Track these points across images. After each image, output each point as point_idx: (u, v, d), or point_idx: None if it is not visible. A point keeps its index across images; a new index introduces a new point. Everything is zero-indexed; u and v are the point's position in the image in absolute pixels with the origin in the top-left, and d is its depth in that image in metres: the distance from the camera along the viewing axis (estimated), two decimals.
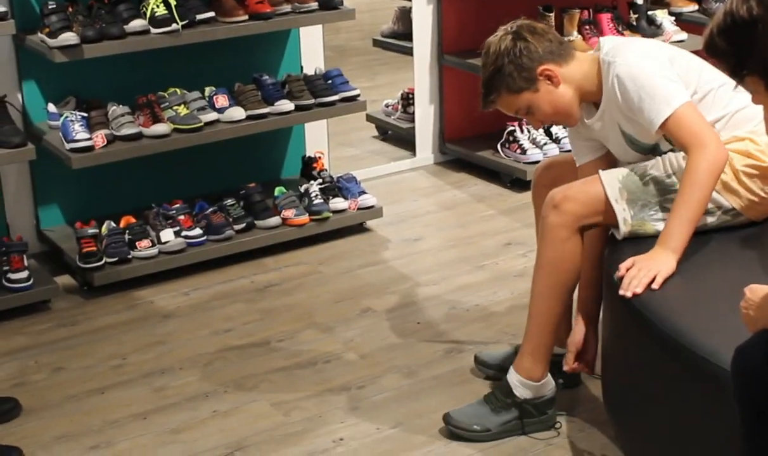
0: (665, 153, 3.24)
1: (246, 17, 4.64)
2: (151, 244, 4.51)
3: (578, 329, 3.43)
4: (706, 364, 2.51)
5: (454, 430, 3.38)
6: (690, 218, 3.04)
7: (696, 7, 6.15)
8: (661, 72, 3.14)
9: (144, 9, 4.47)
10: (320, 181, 5.00)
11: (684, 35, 5.80)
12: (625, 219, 3.16)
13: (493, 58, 3.28)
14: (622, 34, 5.66)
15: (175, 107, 4.60)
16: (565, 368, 3.43)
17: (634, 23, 5.81)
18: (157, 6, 4.45)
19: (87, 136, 4.39)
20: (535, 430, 3.38)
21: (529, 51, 3.25)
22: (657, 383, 2.85)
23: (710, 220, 3.16)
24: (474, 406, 3.42)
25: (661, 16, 5.90)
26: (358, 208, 4.97)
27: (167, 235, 4.55)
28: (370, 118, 6.32)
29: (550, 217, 3.24)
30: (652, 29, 5.80)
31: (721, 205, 3.15)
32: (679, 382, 2.71)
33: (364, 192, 5.03)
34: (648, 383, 2.91)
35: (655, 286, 2.93)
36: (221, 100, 4.70)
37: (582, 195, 3.21)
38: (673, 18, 5.96)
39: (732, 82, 3.05)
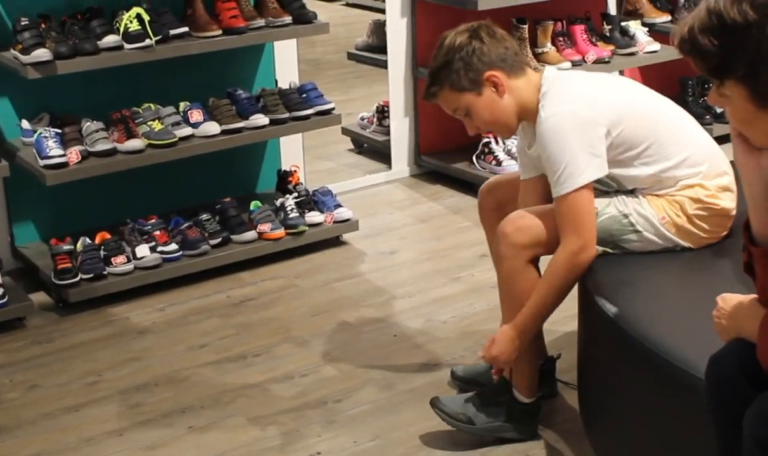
0: (611, 189, 3.25)
1: (220, 32, 4.64)
2: (126, 260, 4.49)
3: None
4: (681, 374, 2.52)
5: (440, 415, 3.39)
6: (539, 304, 3.19)
7: (669, 17, 6.18)
8: (578, 143, 3.08)
9: (117, 25, 4.46)
10: (296, 194, 4.99)
11: (657, 46, 5.83)
12: None
13: (444, 51, 3.25)
14: (595, 45, 5.69)
15: (149, 122, 4.59)
16: (479, 357, 3.44)
17: (608, 34, 5.83)
18: (131, 21, 4.44)
19: (61, 152, 4.37)
20: (518, 435, 3.38)
21: (482, 53, 3.21)
22: (632, 393, 2.85)
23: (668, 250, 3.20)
24: (464, 396, 3.43)
25: (635, 27, 5.92)
26: (334, 222, 4.97)
27: (143, 250, 4.53)
28: (345, 131, 6.32)
29: (502, 249, 3.26)
30: (626, 40, 5.83)
31: (678, 244, 3.18)
32: (654, 392, 2.71)
33: (339, 205, 5.03)
34: (623, 394, 2.92)
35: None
36: (196, 115, 4.69)
37: (534, 229, 3.19)
38: (647, 29, 5.99)
39: (684, 122, 3.13)
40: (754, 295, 2.22)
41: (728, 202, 3.18)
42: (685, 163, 3.16)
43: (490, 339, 3.29)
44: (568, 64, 5.54)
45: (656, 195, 3.17)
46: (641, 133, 3.15)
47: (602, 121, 3.11)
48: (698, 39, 2.08)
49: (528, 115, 3.25)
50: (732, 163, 3.14)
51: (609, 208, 3.18)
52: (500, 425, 3.38)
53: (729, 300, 2.28)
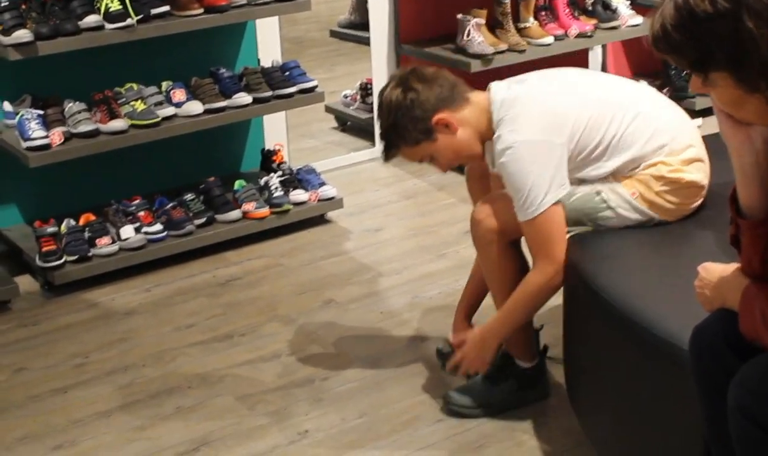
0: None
1: (201, 10, 4.62)
2: (111, 241, 4.48)
3: (461, 327, 3.56)
4: (665, 345, 2.53)
5: (456, 411, 3.43)
6: (511, 320, 3.26)
7: None
8: (536, 168, 3.07)
9: (98, 4, 4.43)
10: (280, 173, 4.99)
11: (639, 19, 5.82)
12: None
13: (386, 113, 3.24)
14: (578, 19, 5.68)
15: (132, 103, 4.57)
16: (448, 369, 3.49)
17: (590, 8, 5.83)
18: (111, 1, 4.42)
19: (44, 134, 4.36)
20: (535, 397, 3.45)
21: (420, 102, 3.20)
22: (617, 367, 2.86)
23: (646, 226, 3.20)
24: (473, 384, 3.45)
25: (617, 0, 5.91)
26: (319, 200, 4.97)
27: (127, 231, 4.53)
28: (329, 109, 6.31)
29: (478, 236, 3.30)
30: (608, 14, 5.83)
31: (652, 218, 3.18)
32: (639, 365, 2.72)
33: (324, 183, 5.02)
34: (608, 367, 2.93)
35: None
36: (178, 95, 4.67)
37: (507, 212, 3.19)
38: (629, 2, 5.98)
39: (642, 108, 3.11)
40: (737, 265, 2.23)
41: (695, 173, 3.17)
42: (647, 146, 3.16)
43: (459, 347, 3.39)
44: (551, 39, 5.54)
45: (623, 177, 3.18)
46: (598, 135, 3.15)
47: (558, 140, 3.10)
48: (672, 36, 2.04)
49: (486, 135, 3.24)
50: (707, 135, 3.17)
51: (580, 187, 3.18)
52: (516, 395, 3.43)
53: (711, 270, 2.28)
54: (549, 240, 3.11)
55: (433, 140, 3.23)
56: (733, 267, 2.24)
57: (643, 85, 3.37)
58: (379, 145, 5.74)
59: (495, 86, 3.28)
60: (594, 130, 3.14)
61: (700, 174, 3.18)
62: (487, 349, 3.32)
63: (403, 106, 3.20)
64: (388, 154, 3.33)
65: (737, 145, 2.16)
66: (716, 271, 2.27)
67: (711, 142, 3.13)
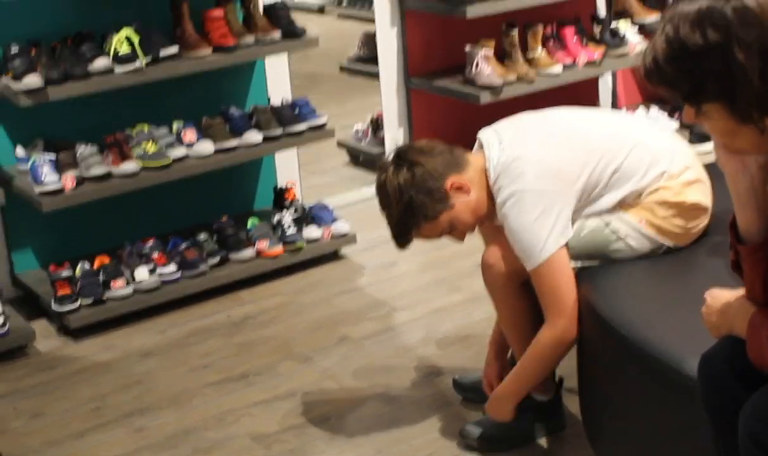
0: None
1: (210, 51, 4.64)
2: (125, 284, 4.49)
3: (492, 365, 3.55)
4: (676, 375, 2.53)
5: (471, 444, 3.41)
6: (528, 377, 3.28)
7: (659, 15, 6.18)
8: (537, 213, 3.07)
9: (107, 47, 4.47)
10: (293, 210, 4.99)
11: None
12: None
13: (397, 197, 3.18)
14: (586, 47, 5.68)
15: (143, 144, 4.59)
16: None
17: (598, 36, 5.84)
18: (120, 44, 4.45)
19: (56, 178, 4.38)
20: (549, 431, 3.44)
21: (430, 173, 3.16)
22: (630, 397, 2.86)
23: (656, 254, 3.20)
24: (489, 417, 3.44)
25: (624, 27, 5.93)
26: (332, 236, 4.97)
27: (142, 273, 4.54)
28: (341, 144, 6.33)
29: (488, 278, 3.31)
30: (616, 41, 5.83)
31: (661, 245, 3.19)
32: (652, 395, 2.72)
33: (336, 219, 5.03)
34: (622, 398, 2.92)
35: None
36: (189, 135, 4.69)
37: (516, 256, 3.18)
38: (637, 28, 5.99)
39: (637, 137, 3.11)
40: (743, 291, 2.23)
41: (697, 194, 3.18)
42: (647, 175, 3.16)
43: (491, 391, 3.44)
44: (560, 67, 5.55)
45: (628, 206, 3.19)
46: (600, 173, 3.15)
47: (559, 188, 3.11)
48: (664, 69, 2.06)
49: (490, 191, 3.22)
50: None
51: (589, 221, 3.18)
52: (532, 428, 3.42)
53: (718, 296, 2.28)
54: (556, 292, 3.10)
55: (451, 207, 3.20)
56: (739, 293, 2.24)
57: (632, 114, 3.37)
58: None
59: (485, 139, 3.26)
60: (596, 171, 3.15)
61: (701, 195, 3.19)
62: (506, 408, 3.35)
63: (414, 183, 3.15)
64: (405, 240, 3.27)
65: (732, 172, 2.18)
66: (722, 297, 2.27)
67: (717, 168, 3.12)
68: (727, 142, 2.14)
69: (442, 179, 3.17)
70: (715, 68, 2.00)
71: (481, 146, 3.27)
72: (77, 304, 4.41)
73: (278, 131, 4.83)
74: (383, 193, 3.23)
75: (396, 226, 3.25)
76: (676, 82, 2.06)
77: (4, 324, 4.27)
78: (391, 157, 3.25)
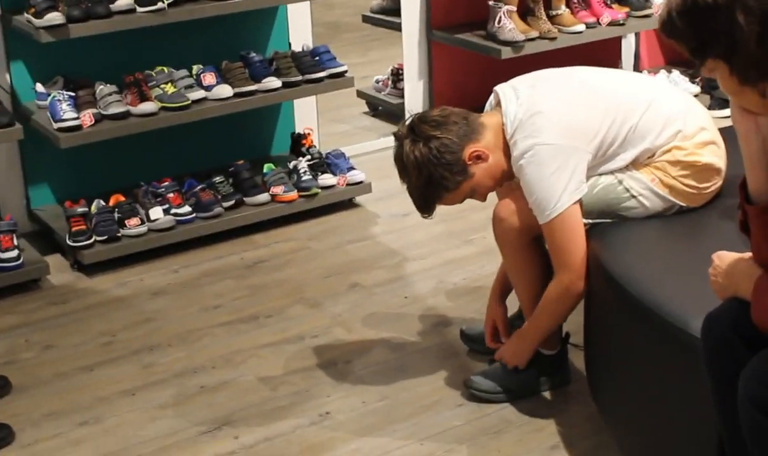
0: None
1: None
2: (140, 222, 4.53)
3: (495, 309, 3.59)
4: (679, 333, 2.54)
5: (477, 395, 3.44)
6: (540, 330, 3.33)
7: None
8: (554, 167, 3.08)
9: None
10: (309, 157, 5.01)
11: None
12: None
13: (416, 173, 3.18)
14: (610, 8, 5.66)
15: (162, 85, 4.61)
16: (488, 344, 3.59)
17: None
18: None
19: (75, 115, 4.40)
20: (554, 385, 3.46)
21: (446, 146, 3.15)
22: (635, 354, 2.87)
23: (669, 213, 3.21)
24: (494, 369, 3.47)
25: None
26: (347, 184, 4.99)
27: (156, 212, 4.57)
28: (360, 94, 6.33)
29: (501, 234, 3.32)
30: (641, 2, 5.79)
31: (674, 205, 3.19)
32: (655, 353, 2.73)
33: (352, 168, 5.05)
34: (626, 355, 2.94)
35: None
36: (209, 78, 4.71)
37: (528, 211, 3.19)
38: None
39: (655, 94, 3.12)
40: (750, 254, 2.24)
41: (710, 156, 3.19)
42: (662, 134, 3.17)
43: (492, 335, 3.55)
44: (582, 26, 5.52)
45: (641, 164, 3.19)
46: (617, 131, 3.15)
47: (577, 145, 3.11)
48: (676, 22, 2.12)
49: (507, 149, 3.23)
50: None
51: (602, 178, 3.19)
52: (537, 381, 3.45)
53: (725, 258, 2.30)
54: (565, 247, 3.12)
55: (471, 176, 3.21)
56: (746, 256, 2.25)
57: (649, 76, 3.38)
58: None
59: (503, 94, 3.26)
60: (612, 128, 3.15)
61: (715, 157, 3.19)
62: (522, 357, 3.40)
63: (431, 158, 3.15)
64: (430, 210, 3.29)
65: (744, 132, 2.20)
66: (729, 259, 2.29)
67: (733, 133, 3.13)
68: (735, 101, 2.19)
69: (460, 151, 3.17)
70: (719, 28, 2.06)
71: (498, 102, 3.28)
72: (91, 240, 4.44)
73: (298, 78, 4.84)
74: (401, 166, 3.24)
75: (418, 199, 3.28)
76: (685, 36, 2.13)
77: (18, 257, 4.31)
78: (405, 128, 3.24)
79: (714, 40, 2.07)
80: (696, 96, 5.38)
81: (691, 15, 2.08)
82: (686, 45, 2.13)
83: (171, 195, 4.65)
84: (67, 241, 4.46)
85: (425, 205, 3.28)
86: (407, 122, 3.25)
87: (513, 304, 3.58)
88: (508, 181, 3.34)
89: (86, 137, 4.44)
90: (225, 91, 4.68)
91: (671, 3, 2.12)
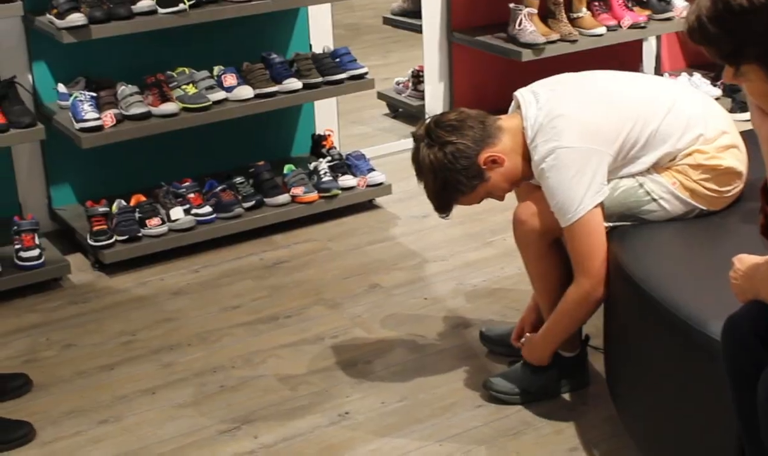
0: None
1: None
2: (161, 222, 4.54)
3: (531, 312, 3.58)
4: (701, 337, 2.53)
5: (496, 396, 3.45)
6: (558, 332, 3.32)
7: None
8: (575, 171, 3.07)
9: None
10: (329, 158, 5.02)
11: None
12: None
13: (431, 177, 3.19)
14: (631, 11, 5.65)
15: (183, 86, 4.63)
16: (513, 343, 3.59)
17: (644, 0, 5.80)
18: None
19: (96, 115, 4.42)
20: (573, 387, 3.47)
21: (462, 151, 3.16)
22: (655, 357, 2.87)
23: (689, 217, 3.20)
24: (513, 371, 3.48)
25: None
26: (367, 186, 5.00)
27: (177, 213, 4.58)
28: (381, 95, 6.34)
29: (519, 233, 3.32)
30: (662, 5, 5.78)
31: (695, 208, 3.18)
32: (676, 355, 2.72)
33: (373, 169, 5.05)
34: (646, 357, 2.93)
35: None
36: (229, 79, 4.72)
37: (549, 214, 3.18)
38: None
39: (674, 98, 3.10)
40: None
41: (732, 159, 3.18)
42: (683, 137, 3.15)
43: (527, 334, 3.50)
44: (603, 29, 5.52)
45: (662, 168, 3.18)
46: (638, 135, 3.14)
47: (598, 148, 3.10)
48: (707, 28, 2.08)
49: (526, 152, 3.22)
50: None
51: (623, 181, 3.18)
52: (557, 383, 3.45)
53: (745, 261, 2.29)
54: (587, 252, 3.12)
55: (487, 180, 3.22)
56: (767, 259, 2.24)
57: (670, 79, 3.36)
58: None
59: (522, 98, 3.25)
60: (633, 131, 3.14)
61: (736, 160, 3.18)
62: (540, 357, 3.41)
63: (446, 163, 3.16)
64: (446, 212, 3.31)
65: (766, 134, 2.18)
66: (750, 262, 2.28)
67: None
68: (763, 105, 2.15)
69: (475, 155, 3.17)
70: (756, 30, 2.02)
71: (518, 106, 3.28)
72: (112, 239, 4.46)
73: (318, 79, 4.85)
74: (418, 167, 3.25)
75: (435, 201, 3.29)
76: (718, 41, 2.08)
77: (40, 256, 4.33)
78: (422, 130, 3.24)
79: (750, 44, 2.03)
80: (717, 99, 5.36)
81: (724, 19, 2.05)
82: (719, 50, 2.09)
83: (192, 195, 4.67)
84: (88, 241, 4.48)
85: (441, 206, 3.30)
86: (424, 124, 3.26)
87: None
88: (527, 183, 3.35)
89: (108, 137, 4.46)
90: (246, 92, 4.69)
91: (701, 9, 2.08)
